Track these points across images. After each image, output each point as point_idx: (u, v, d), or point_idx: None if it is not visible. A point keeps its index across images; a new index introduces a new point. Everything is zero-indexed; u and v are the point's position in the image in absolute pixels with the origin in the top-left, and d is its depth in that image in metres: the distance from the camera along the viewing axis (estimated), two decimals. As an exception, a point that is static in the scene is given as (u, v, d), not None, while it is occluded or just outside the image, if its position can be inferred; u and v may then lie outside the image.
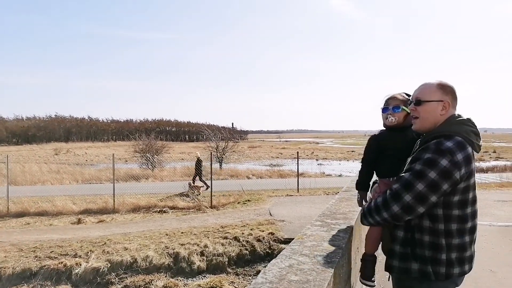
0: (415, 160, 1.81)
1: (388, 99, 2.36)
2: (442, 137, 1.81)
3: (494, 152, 45.80)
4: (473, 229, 1.85)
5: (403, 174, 1.83)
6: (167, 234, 8.70)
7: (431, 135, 1.87)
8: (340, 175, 24.09)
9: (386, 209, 1.84)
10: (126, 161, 34.09)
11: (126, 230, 9.50)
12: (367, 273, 2.29)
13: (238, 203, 12.99)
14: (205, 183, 16.58)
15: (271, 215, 10.37)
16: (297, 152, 18.12)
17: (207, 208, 13.26)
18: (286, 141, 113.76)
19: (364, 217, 2.02)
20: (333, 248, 2.02)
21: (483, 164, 29.82)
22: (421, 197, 1.73)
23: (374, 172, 2.44)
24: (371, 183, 2.47)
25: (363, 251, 2.44)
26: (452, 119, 1.90)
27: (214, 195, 14.37)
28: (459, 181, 1.72)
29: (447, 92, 1.93)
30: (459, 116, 1.94)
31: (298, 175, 16.45)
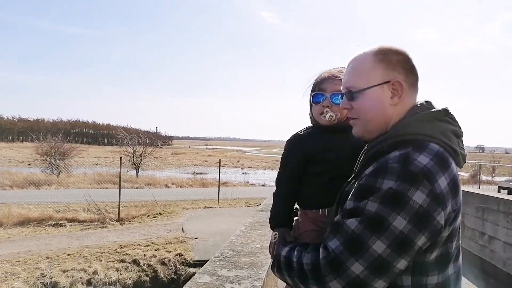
0: (364, 192, 1.01)
1: (322, 79, 1.40)
2: (407, 145, 1.02)
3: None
4: None
5: (346, 219, 1.01)
6: (48, 257, 6.99)
7: (386, 142, 1.08)
8: (263, 185, 23.70)
9: (318, 283, 1.02)
10: (30, 164, 30.14)
11: (-4, 252, 7.55)
12: None
13: (148, 216, 11.49)
14: None
15: (183, 231, 9.12)
16: (220, 160, 17.06)
17: (112, 221, 11.55)
18: (213, 148, 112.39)
19: (279, 270, 1.20)
20: None
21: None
22: (381, 266, 0.95)
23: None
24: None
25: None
26: (416, 111, 1.11)
27: (125, 206, 12.73)
28: (443, 228, 0.97)
29: (394, 63, 1.11)
30: (429, 105, 1.14)
31: (219, 184, 15.40)
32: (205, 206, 13.04)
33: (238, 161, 49.89)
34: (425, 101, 1.14)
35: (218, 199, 14.32)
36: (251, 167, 41.27)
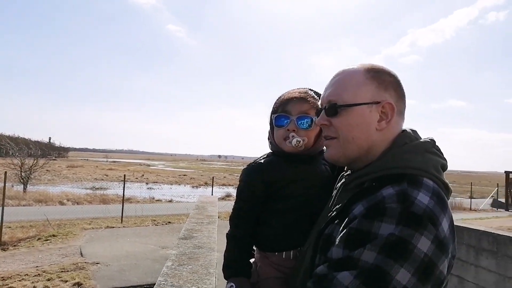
0: (357, 238, 0.85)
1: (287, 100, 1.27)
2: (399, 180, 0.90)
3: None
4: None
5: (336, 272, 0.84)
6: None
7: (372, 175, 0.97)
8: (170, 201, 22.85)
9: None
10: None
11: None
12: None
13: (39, 239, 10.08)
14: None
15: (82, 255, 8.17)
16: (124, 175, 15.92)
17: (-9, 246, 9.89)
18: (114, 161, 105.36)
19: None
20: None
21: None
22: None
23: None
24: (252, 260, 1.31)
25: None
26: (404, 141, 1.02)
27: (9, 227, 11.06)
28: (445, 278, 0.84)
29: (386, 83, 1.03)
30: (416, 135, 1.06)
31: (123, 201, 14.33)
32: (107, 226, 11.95)
33: (143, 175, 47.44)
34: (411, 129, 1.06)
35: (122, 217, 13.29)
36: (156, 182, 39.46)
